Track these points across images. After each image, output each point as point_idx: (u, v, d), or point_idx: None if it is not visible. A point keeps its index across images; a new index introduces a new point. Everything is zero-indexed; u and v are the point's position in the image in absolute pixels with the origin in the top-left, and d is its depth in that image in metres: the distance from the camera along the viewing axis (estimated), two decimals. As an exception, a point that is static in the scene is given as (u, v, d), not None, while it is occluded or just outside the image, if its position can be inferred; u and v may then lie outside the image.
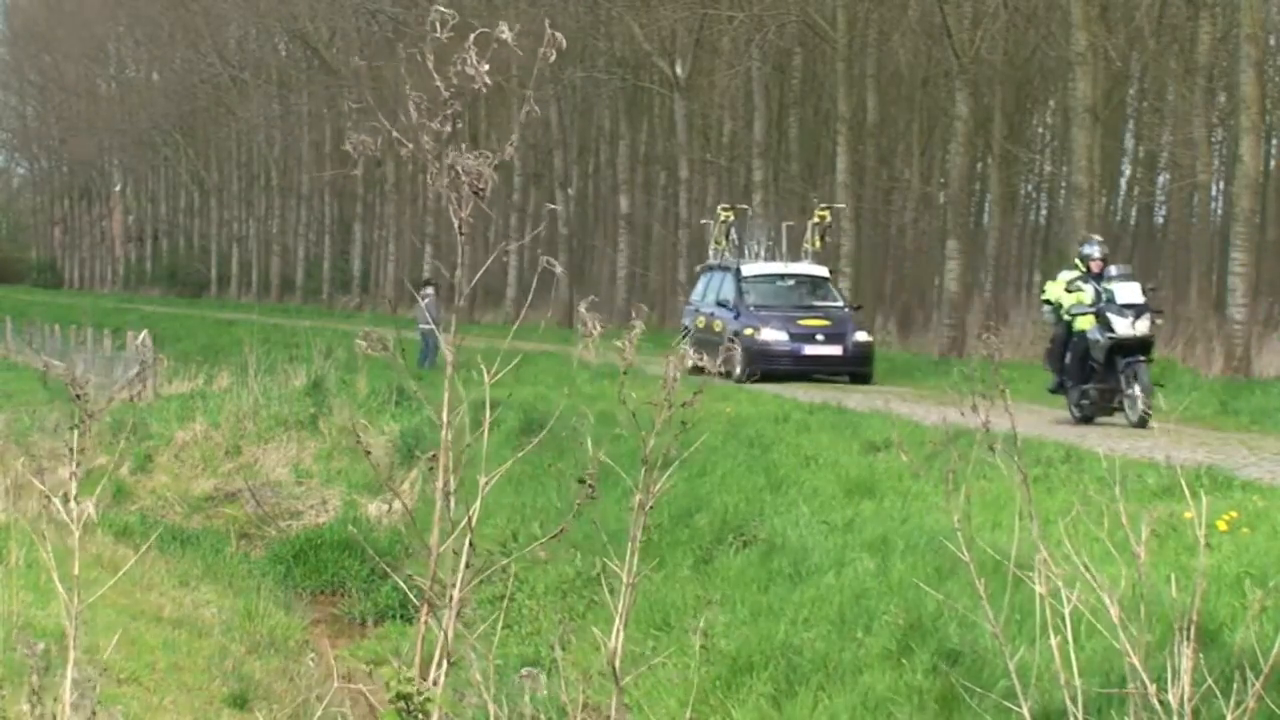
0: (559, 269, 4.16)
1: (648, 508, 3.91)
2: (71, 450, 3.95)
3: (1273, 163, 35.89)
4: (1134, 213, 41.84)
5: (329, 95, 54.82)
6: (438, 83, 3.65)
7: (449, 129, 3.69)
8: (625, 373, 3.82)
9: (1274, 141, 36.91)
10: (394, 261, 55.55)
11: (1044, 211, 46.29)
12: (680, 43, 38.25)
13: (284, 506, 18.56)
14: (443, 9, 3.74)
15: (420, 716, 3.66)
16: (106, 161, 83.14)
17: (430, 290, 30.13)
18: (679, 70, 38.21)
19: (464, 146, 3.81)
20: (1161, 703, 3.98)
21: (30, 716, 3.91)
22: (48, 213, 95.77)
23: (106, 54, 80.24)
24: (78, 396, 3.92)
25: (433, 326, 24.61)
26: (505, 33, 3.68)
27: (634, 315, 3.95)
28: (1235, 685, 4.07)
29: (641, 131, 45.32)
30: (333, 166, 57.79)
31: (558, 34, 3.68)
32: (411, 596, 4.05)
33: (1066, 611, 4.13)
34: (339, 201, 61.96)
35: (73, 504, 3.98)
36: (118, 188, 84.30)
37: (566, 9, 40.52)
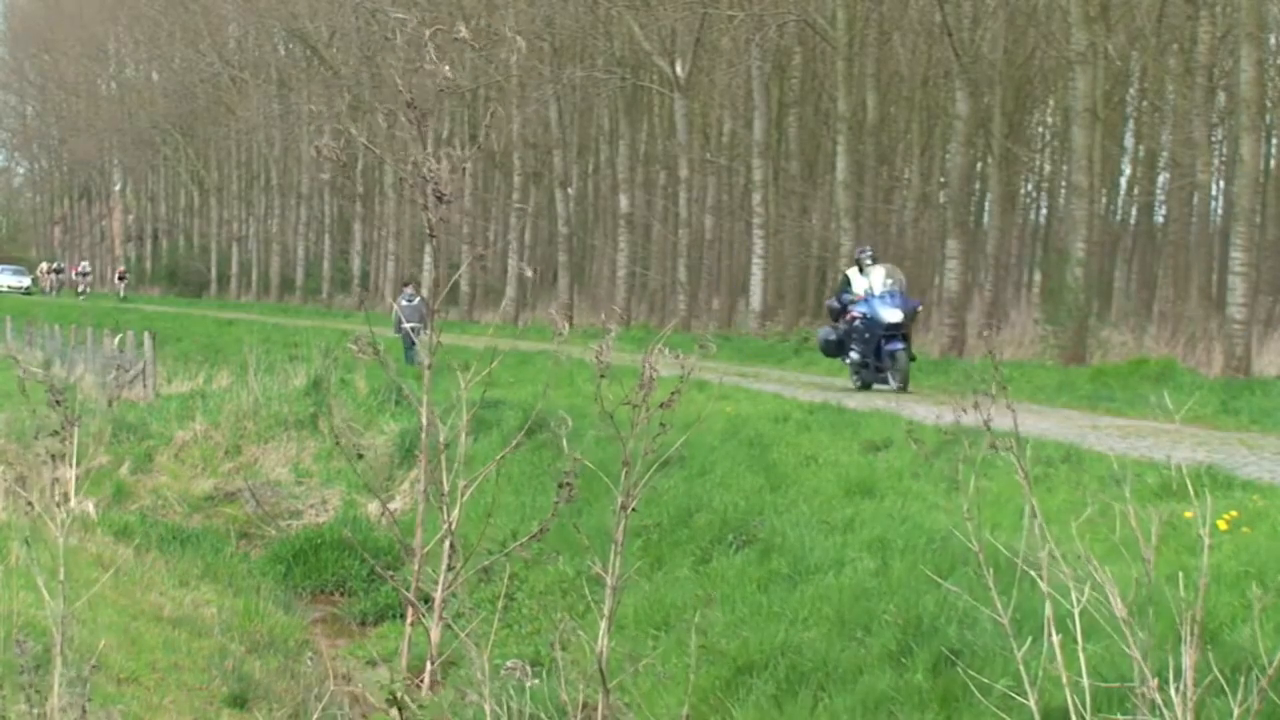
0: (529, 272, 4.15)
1: (630, 509, 3.90)
2: (53, 457, 3.93)
3: (1273, 162, 35.88)
4: (1134, 212, 41.83)
5: (329, 95, 54.85)
6: (401, 88, 3.64)
7: (414, 132, 3.68)
8: (602, 375, 3.79)
9: (1274, 141, 36.90)
10: (394, 261, 55.58)
11: (1044, 211, 46.33)
12: (680, 42, 38.23)
13: (284, 506, 18.53)
14: (402, 15, 3.73)
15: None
16: (106, 161, 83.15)
17: (409, 289, 30.74)
18: (679, 70, 38.18)
19: (463, 146, 3.80)
20: (1164, 701, 3.97)
21: (29, 716, 3.90)
22: (48, 212, 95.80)
23: (106, 54, 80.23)
24: (58, 402, 3.90)
25: (414, 325, 25.11)
26: (463, 32, 3.68)
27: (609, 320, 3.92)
28: (1241, 684, 4.06)
29: (641, 131, 45.31)
30: (325, 167, 57.80)
31: (520, 39, 3.68)
32: (408, 598, 4.03)
33: (1075, 611, 4.11)
34: (339, 201, 61.96)
35: (59, 511, 3.96)
36: (118, 187, 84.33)
37: (566, 9, 40.50)
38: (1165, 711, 3.97)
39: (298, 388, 23.41)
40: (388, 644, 12.49)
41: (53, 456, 3.88)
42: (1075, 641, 4.19)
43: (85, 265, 75.76)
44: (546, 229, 48.43)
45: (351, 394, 23.20)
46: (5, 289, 73.96)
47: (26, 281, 76.96)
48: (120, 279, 73.26)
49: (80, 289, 71.45)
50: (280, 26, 59.57)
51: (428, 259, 48.90)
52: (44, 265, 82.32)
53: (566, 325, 3.78)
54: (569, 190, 45.32)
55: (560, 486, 3.83)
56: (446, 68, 3.53)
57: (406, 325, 25.81)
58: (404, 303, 27.87)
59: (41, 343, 38.25)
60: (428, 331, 22.18)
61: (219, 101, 66.57)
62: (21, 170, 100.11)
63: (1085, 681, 4.23)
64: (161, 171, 79.46)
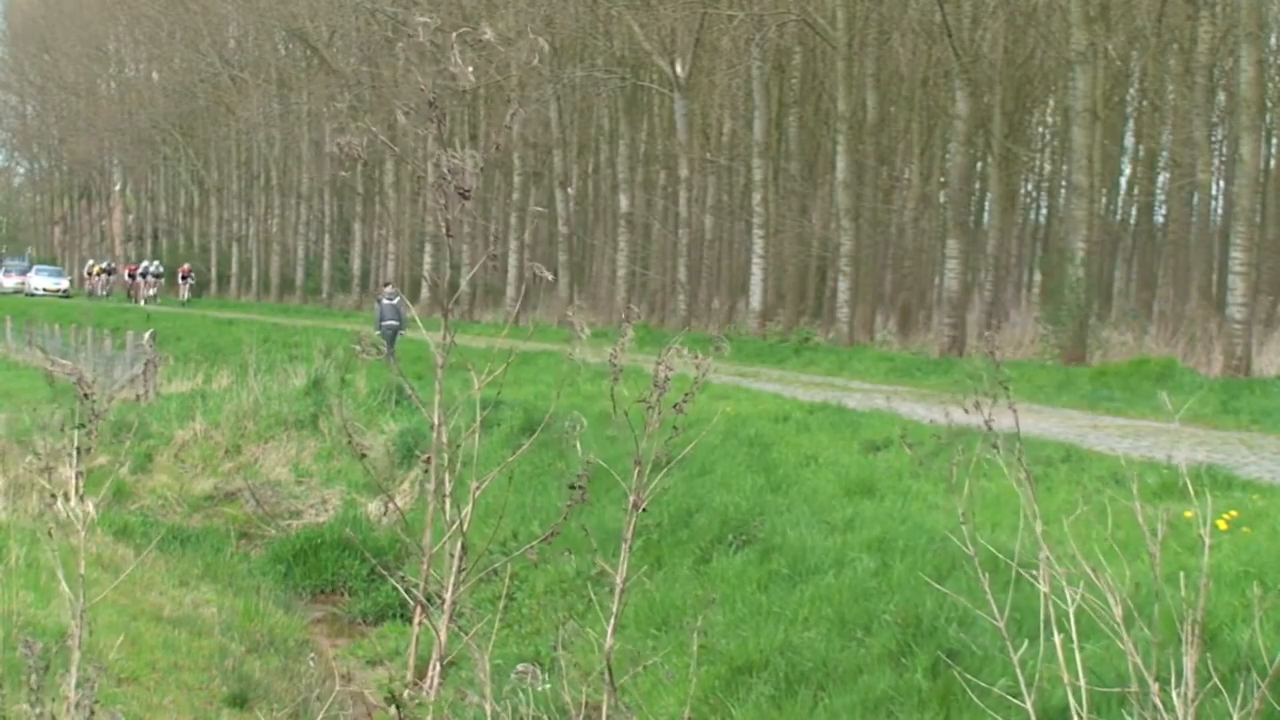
0: (549, 275, 4.15)
1: (640, 509, 3.90)
2: (76, 450, 3.95)
3: (1273, 162, 35.86)
4: (1134, 212, 41.83)
5: (329, 95, 54.85)
6: (422, 87, 3.63)
7: (434, 131, 3.67)
8: (615, 378, 3.79)
9: (1274, 141, 36.89)
10: (394, 260, 55.62)
11: (1044, 210, 46.34)
12: (680, 42, 38.23)
13: (284, 506, 18.54)
14: (426, 19, 3.73)
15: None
16: (106, 161, 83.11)
17: (390, 289, 31.73)
18: (679, 69, 38.17)
19: (463, 145, 3.81)
20: (1164, 702, 3.97)
21: (30, 716, 3.90)
22: (48, 212, 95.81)
23: (106, 54, 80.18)
24: (86, 396, 3.91)
25: (394, 323, 26.55)
26: (488, 33, 3.67)
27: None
28: (1242, 685, 4.06)
29: (641, 131, 45.31)
30: (332, 166, 57.83)
31: (541, 40, 3.69)
32: (410, 598, 4.03)
33: (1070, 610, 4.12)
34: (339, 201, 61.96)
35: (74, 503, 3.98)
36: (118, 187, 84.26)
37: (566, 8, 40.50)
38: (1165, 715, 3.97)
39: (298, 388, 23.43)
40: (388, 644, 12.50)
41: (77, 449, 3.89)
42: (1073, 642, 4.19)
43: (157, 266, 66.56)
44: (546, 229, 48.42)
45: (351, 394, 23.22)
46: (41, 291, 69.96)
47: (65, 284, 72.34)
48: (183, 279, 65.85)
49: (149, 293, 63.96)
50: (280, 26, 59.55)
51: (428, 258, 48.92)
52: (91, 264, 75.74)
53: (586, 328, 3.77)
54: (569, 190, 45.31)
55: (571, 488, 3.83)
56: (470, 70, 3.53)
57: (386, 323, 27.11)
58: (384, 301, 28.89)
59: (40, 343, 38.24)
60: (404, 331, 22.59)
61: (219, 101, 66.55)
62: (21, 170, 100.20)
63: (1083, 683, 4.23)
64: (161, 171, 79.45)
